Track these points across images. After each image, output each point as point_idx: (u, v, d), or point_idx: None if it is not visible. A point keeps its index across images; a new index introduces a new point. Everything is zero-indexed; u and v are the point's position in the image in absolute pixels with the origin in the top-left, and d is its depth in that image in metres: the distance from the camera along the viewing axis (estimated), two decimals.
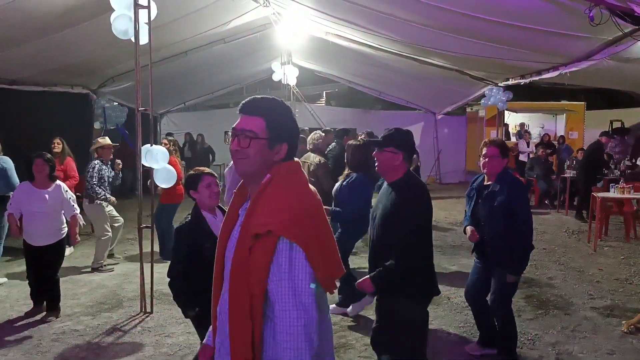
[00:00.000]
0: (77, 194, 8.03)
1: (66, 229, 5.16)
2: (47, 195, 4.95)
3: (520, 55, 7.64)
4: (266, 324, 1.61)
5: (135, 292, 5.52)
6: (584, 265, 6.83)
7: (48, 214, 4.92)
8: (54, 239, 4.98)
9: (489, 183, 3.91)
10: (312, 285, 1.60)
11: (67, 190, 5.12)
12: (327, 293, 1.76)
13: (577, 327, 4.77)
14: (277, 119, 1.71)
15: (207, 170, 3.36)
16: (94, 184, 6.51)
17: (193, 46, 10.06)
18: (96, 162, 6.61)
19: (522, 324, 4.83)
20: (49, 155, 5.14)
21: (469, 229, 3.99)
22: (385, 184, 3.18)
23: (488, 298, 4.01)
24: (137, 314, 5.05)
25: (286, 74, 12.31)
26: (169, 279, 3.22)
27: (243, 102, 1.75)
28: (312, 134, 6.68)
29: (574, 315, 5.07)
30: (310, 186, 1.78)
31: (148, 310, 5.06)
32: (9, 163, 6.31)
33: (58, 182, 5.10)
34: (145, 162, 5.05)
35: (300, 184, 1.73)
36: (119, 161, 6.99)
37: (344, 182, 4.95)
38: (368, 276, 3.02)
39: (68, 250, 7.32)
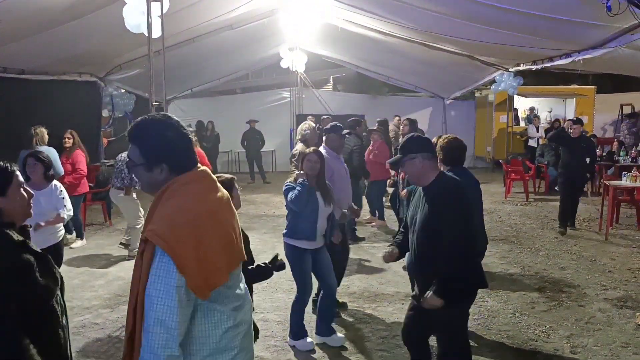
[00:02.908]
0: (90, 184, 8.12)
1: (62, 231, 4.71)
2: (42, 197, 4.41)
3: (533, 42, 7.56)
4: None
5: None
6: (595, 254, 6.84)
7: (43, 216, 4.37)
8: (50, 242, 4.43)
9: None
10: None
11: (62, 190, 4.72)
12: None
13: (590, 320, 4.79)
14: (149, 144, 1.81)
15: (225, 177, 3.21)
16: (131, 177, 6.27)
17: (200, 33, 10.01)
18: (124, 154, 6.34)
19: (537, 316, 4.88)
20: (42, 153, 4.84)
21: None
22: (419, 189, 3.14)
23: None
24: None
25: (294, 61, 12.21)
26: None
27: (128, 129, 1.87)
28: (302, 124, 6.17)
29: (588, 307, 5.09)
30: (216, 193, 1.86)
31: None
32: (53, 154, 6.25)
33: (55, 182, 4.75)
34: None
35: (190, 195, 1.78)
36: None
37: None
38: None
39: (80, 242, 7.40)
